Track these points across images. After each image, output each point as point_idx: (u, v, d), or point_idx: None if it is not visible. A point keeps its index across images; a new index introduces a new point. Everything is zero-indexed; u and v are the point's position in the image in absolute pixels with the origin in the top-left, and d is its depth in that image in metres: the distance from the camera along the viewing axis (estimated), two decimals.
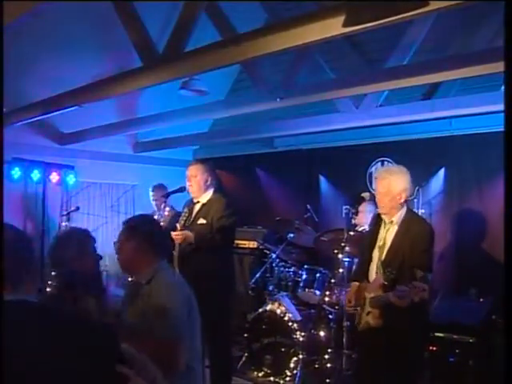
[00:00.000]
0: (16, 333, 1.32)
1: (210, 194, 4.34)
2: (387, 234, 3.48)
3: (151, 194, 5.96)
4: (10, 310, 1.35)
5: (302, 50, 4.37)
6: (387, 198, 3.46)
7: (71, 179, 6.48)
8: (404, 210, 3.48)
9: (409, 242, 3.34)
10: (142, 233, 2.63)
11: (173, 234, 4.08)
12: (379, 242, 3.51)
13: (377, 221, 3.65)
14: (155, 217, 5.75)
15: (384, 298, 3.27)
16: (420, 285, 2.99)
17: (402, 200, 3.44)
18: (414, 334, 3.34)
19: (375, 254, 3.52)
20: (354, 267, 4.15)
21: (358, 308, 3.59)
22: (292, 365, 4.72)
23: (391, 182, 3.45)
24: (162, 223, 5.41)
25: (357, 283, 3.62)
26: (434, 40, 4.99)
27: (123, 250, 2.66)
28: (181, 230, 4.15)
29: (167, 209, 4.60)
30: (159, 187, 5.90)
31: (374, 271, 3.50)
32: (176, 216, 5.18)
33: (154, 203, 5.92)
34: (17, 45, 4.69)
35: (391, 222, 3.48)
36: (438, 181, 5.70)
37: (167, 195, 4.59)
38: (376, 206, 5.22)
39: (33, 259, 1.56)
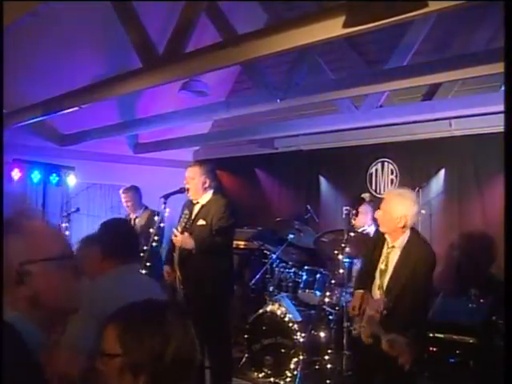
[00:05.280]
0: None
1: (209, 195, 4.34)
2: (389, 258, 3.43)
3: (122, 196, 5.72)
4: None
5: (302, 50, 4.37)
6: (386, 217, 3.42)
7: (71, 180, 6.47)
8: (407, 234, 3.40)
9: (411, 266, 3.30)
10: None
11: (173, 237, 4.11)
12: (381, 265, 3.46)
13: (381, 235, 3.56)
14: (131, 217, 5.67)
15: (377, 331, 3.27)
16: (404, 351, 3.07)
17: (401, 225, 3.35)
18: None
19: (377, 274, 3.47)
20: (359, 272, 4.08)
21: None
22: (292, 366, 4.72)
23: (393, 204, 3.38)
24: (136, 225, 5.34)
25: (361, 291, 3.57)
26: (433, 41, 4.99)
27: None
28: (181, 232, 4.15)
29: (167, 209, 4.59)
30: (131, 189, 5.70)
31: (376, 287, 3.48)
32: (152, 216, 5.12)
33: (125, 205, 5.70)
34: (16, 45, 4.68)
35: (393, 246, 3.42)
36: (438, 181, 5.68)
37: (167, 196, 4.57)
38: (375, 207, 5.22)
39: None
